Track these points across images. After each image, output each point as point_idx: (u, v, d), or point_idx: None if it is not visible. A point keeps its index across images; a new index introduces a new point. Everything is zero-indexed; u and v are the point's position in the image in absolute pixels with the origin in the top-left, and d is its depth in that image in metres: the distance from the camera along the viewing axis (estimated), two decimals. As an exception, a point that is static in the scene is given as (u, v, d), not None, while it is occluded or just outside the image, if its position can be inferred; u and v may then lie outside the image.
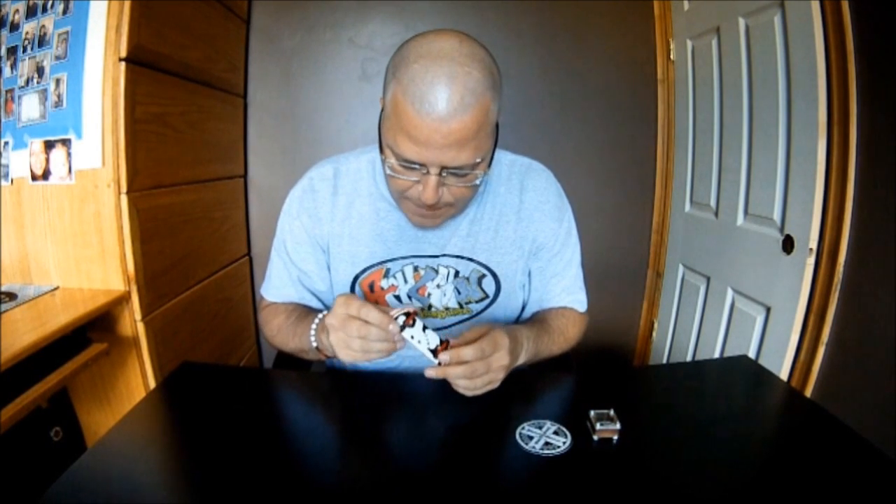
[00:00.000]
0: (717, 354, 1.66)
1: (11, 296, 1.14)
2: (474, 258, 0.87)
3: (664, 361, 1.99)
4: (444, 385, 0.80)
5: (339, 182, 0.87)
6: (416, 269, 0.87)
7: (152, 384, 1.25)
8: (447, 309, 0.89)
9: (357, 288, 0.88)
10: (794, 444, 0.69)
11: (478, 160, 0.69)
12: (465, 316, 0.90)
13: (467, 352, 0.68)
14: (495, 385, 0.72)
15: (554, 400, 0.84)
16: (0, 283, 1.21)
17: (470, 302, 0.89)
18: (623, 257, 2.09)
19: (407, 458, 0.65)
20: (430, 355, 0.69)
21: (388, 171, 0.72)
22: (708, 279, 1.73)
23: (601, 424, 0.66)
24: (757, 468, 0.63)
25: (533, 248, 0.90)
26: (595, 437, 0.65)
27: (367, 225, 0.86)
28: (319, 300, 0.93)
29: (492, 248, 0.87)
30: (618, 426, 0.66)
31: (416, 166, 0.68)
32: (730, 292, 1.61)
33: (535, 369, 1.04)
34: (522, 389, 0.87)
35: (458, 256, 0.86)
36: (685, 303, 1.88)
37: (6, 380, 0.91)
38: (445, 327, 0.90)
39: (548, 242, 0.90)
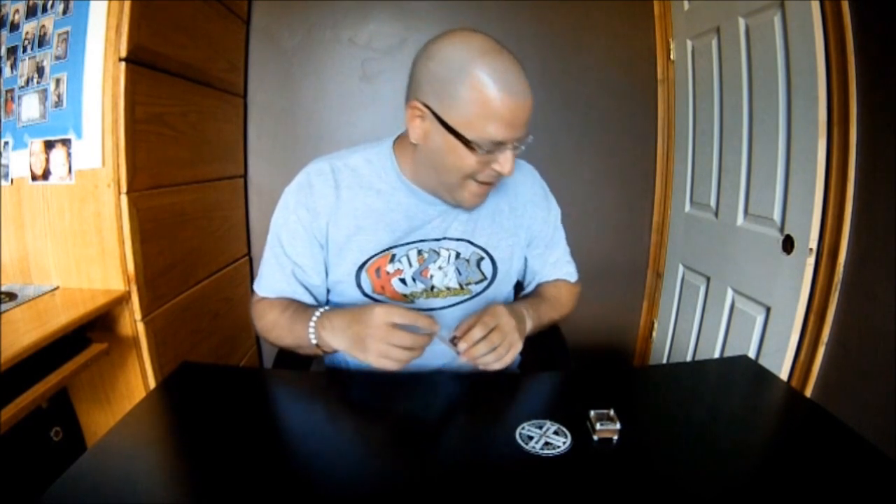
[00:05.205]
0: (717, 354, 1.66)
1: (11, 296, 1.14)
2: (473, 241, 0.93)
3: (664, 361, 1.98)
4: (444, 384, 0.80)
5: (338, 177, 0.90)
6: (419, 252, 0.91)
7: (152, 384, 1.25)
8: (448, 289, 0.93)
9: (363, 274, 0.90)
10: (794, 444, 0.69)
11: None
12: (466, 297, 0.94)
13: (476, 332, 0.76)
14: (518, 348, 0.79)
15: (554, 400, 0.84)
16: (0, 283, 1.21)
17: (470, 283, 0.94)
18: (623, 257, 2.09)
19: (407, 457, 0.65)
20: (451, 346, 0.78)
21: (473, 161, 0.77)
22: (708, 279, 1.73)
23: (601, 424, 0.66)
24: (757, 468, 0.63)
25: (528, 237, 1.00)
26: (595, 437, 0.65)
27: (375, 215, 0.89)
28: (312, 294, 0.94)
29: (489, 233, 0.94)
30: (618, 426, 0.66)
31: (499, 147, 0.77)
32: (730, 292, 1.61)
33: (535, 369, 1.04)
34: (522, 389, 0.87)
35: (458, 239, 0.92)
36: (685, 303, 1.88)
37: (6, 380, 0.91)
38: (447, 307, 0.94)
39: (541, 231, 1.01)
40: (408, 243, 0.90)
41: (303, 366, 1.02)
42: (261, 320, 0.93)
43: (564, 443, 0.65)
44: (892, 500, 0.57)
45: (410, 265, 0.90)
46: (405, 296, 0.91)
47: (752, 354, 1.45)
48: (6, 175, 1.20)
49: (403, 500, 0.57)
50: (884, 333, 1.09)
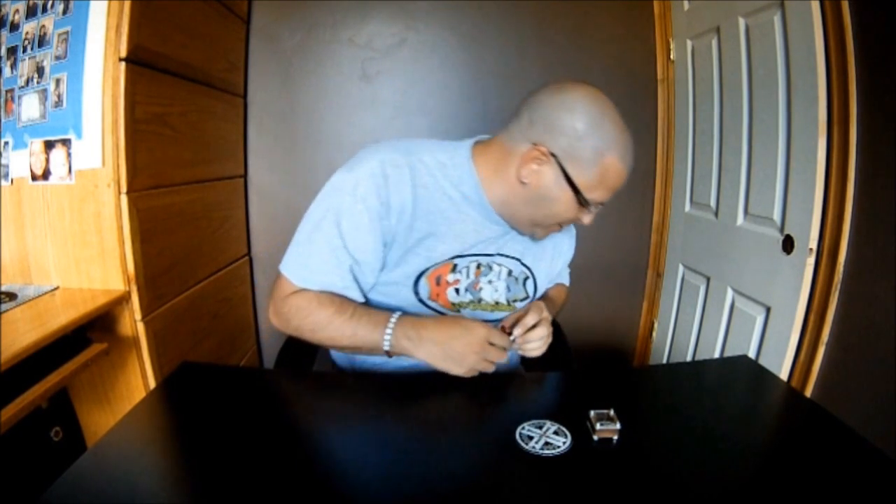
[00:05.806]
0: (717, 354, 1.66)
1: (11, 296, 1.14)
2: (523, 260, 0.97)
3: (664, 361, 1.98)
4: (444, 384, 0.80)
5: (416, 174, 0.84)
6: (479, 265, 0.92)
7: (152, 384, 1.25)
8: (497, 304, 0.95)
9: (423, 280, 0.88)
10: (794, 444, 0.69)
11: None
12: (510, 313, 0.95)
13: (529, 319, 0.85)
14: (550, 339, 0.88)
15: (554, 400, 0.84)
16: (0, 283, 1.21)
17: (516, 300, 0.97)
18: (623, 257, 2.09)
19: (407, 457, 0.65)
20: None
21: (574, 213, 0.85)
22: (708, 279, 1.73)
23: (601, 424, 0.66)
24: (757, 468, 0.63)
25: (562, 263, 1.09)
26: (595, 437, 0.65)
27: (447, 223, 0.87)
28: (362, 292, 0.89)
29: (535, 254, 0.99)
30: (618, 426, 0.66)
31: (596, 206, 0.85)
32: (730, 292, 1.61)
33: (536, 369, 1.05)
34: (522, 389, 0.87)
35: (510, 257, 0.95)
36: (685, 303, 1.88)
37: (6, 380, 0.91)
38: (493, 320, 0.94)
39: (569, 256, 1.11)
40: (470, 255, 0.90)
41: (303, 366, 1.02)
42: (306, 318, 0.84)
43: (564, 443, 0.65)
44: (892, 500, 0.57)
45: (468, 276, 0.91)
46: (454, 304, 0.91)
47: (752, 354, 1.45)
48: (6, 175, 1.20)
49: (403, 499, 0.57)
50: (884, 333, 1.09)
